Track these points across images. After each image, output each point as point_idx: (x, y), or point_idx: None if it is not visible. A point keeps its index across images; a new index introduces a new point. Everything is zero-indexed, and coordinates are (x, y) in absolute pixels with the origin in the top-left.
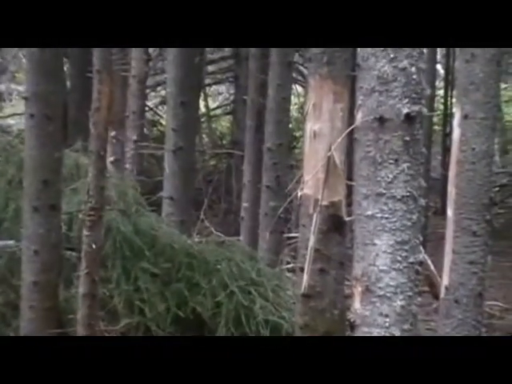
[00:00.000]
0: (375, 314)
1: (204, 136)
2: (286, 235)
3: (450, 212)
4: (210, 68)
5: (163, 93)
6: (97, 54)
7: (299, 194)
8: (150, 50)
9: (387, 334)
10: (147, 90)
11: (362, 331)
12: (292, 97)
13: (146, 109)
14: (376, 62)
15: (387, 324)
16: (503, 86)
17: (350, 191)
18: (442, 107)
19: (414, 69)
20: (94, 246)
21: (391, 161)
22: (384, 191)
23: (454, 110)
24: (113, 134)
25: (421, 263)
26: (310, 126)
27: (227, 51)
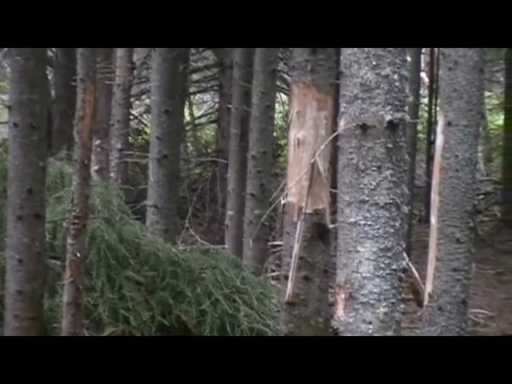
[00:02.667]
0: (358, 321)
1: (189, 144)
2: (270, 243)
3: (433, 219)
4: (195, 76)
5: (148, 101)
6: (81, 62)
7: (283, 201)
8: (135, 58)
9: None
10: (132, 99)
11: None
12: (276, 105)
13: (131, 117)
14: (359, 69)
15: (370, 331)
16: (487, 94)
17: (334, 199)
18: (426, 115)
19: (396, 76)
20: (78, 255)
21: (374, 168)
22: (367, 198)
23: (438, 117)
24: (97, 142)
25: (404, 270)
26: (294, 134)
27: (211, 59)
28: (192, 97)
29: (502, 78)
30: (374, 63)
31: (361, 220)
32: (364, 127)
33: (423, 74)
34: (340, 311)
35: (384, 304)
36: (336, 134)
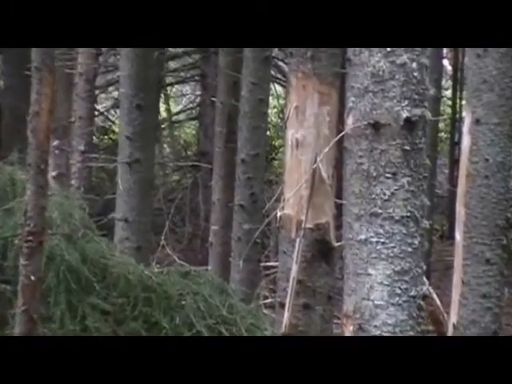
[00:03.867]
0: None
1: (165, 146)
2: (263, 264)
3: (458, 236)
4: (172, 64)
5: (116, 94)
6: (36, 48)
7: (279, 214)
8: None
9: None
10: (97, 91)
11: None
12: (270, 98)
13: (96, 113)
14: (370, 56)
15: None
16: None
17: (339, 211)
18: (449, 111)
19: (414, 65)
20: (32, 278)
21: (388, 175)
22: (380, 211)
23: (464, 113)
24: (55, 143)
25: (424, 297)
26: (292, 134)
27: None
28: (169, 89)
29: None
30: (388, 50)
31: (372, 237)
32: (376, 126)
33: (445, 62)
34: None
35: None
36: (342, 133)
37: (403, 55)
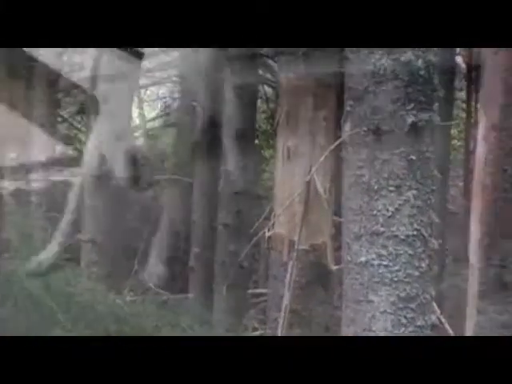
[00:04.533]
0: None
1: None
2: (251, 291)
3: (473, 257)
4: (147, 63)
5: (82, 98)
6: None
7: (268, 234)
8: None
9: None
10: (60, 94)
11: None
12: (258, 102)
13: (59, 120)
14: (370, 53)
15: None
16: None
17: (338, 230)
18: (463, 115)
19: (420, 62)
20: None
21: (392, 188)
22: (382, 229)
23: (479, 118)
24: (12, 155)
25: (433, 327)
26: (283, 142)
27: None
28: (143, 91)
29: None
30: None
31: (374, 259)
32: (377, 132)
33: (459, 59)
34: None
35: None
36: (339, 141)
37: (407, 52)
